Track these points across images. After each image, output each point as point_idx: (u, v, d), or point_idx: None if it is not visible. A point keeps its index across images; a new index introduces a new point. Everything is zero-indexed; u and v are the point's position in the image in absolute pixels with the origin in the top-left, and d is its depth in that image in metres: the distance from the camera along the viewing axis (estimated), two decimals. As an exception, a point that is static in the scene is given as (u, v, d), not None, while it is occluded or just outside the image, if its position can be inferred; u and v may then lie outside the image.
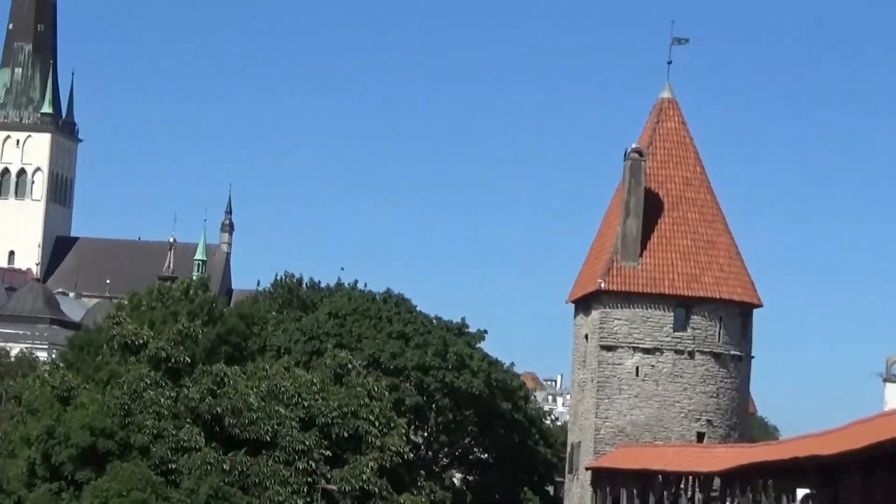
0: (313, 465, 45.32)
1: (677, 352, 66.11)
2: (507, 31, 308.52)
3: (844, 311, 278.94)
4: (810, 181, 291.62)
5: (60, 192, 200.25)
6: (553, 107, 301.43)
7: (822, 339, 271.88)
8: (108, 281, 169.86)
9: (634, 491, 61.83)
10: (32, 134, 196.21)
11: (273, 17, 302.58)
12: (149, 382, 56.26)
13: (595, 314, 67.16)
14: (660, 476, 59.96)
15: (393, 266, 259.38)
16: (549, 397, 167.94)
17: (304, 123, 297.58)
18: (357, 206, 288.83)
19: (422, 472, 75.51)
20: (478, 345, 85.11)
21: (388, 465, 46.44)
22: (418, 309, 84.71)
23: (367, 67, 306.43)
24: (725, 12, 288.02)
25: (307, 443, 45.31)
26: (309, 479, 45.02)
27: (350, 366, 51.58)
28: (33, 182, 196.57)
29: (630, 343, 66.35)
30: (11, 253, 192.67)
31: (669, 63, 69.78)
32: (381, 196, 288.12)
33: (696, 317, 66.32)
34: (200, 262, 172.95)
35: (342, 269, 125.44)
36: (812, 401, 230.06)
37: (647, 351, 66.27)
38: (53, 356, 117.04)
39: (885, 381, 51.09)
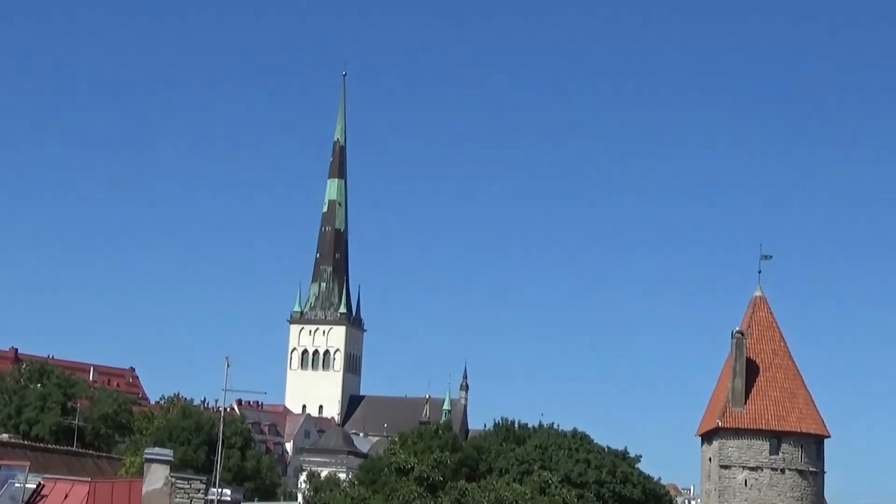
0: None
1: (773, 469, 65.40)
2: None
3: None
4: (865, 352, 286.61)
5: (352, 365, 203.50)
6: (686, 304, 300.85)
7: (877, 459, 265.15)
8: (385, 425, 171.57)
9: (747, 566, 61.04)
10: (333, 327, 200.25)
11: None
12: (416, 495, 56.63)
13: (715, 443, 66.81)
14: (764, 555, 59.24)
15: (577, 406, 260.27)
16: (686, 501, 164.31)
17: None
18: (551, 369, 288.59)
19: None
20: (636, 465, 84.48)
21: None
22: (595, 441, 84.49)
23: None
24: (796, 233, 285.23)
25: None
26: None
27: (550, 482, 51.92)
28: (335, 359, 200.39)
29: (740, 463, 65.72)
30: (321, 406, 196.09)
31: (759, 272, 70.32)
32: (563, 367, 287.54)
33: (784, 444, 65.62)
34: (446, 411, 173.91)
35: (542, 414, 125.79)
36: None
37: (752, 469, 65.61)
38: (350, 476, 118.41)
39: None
